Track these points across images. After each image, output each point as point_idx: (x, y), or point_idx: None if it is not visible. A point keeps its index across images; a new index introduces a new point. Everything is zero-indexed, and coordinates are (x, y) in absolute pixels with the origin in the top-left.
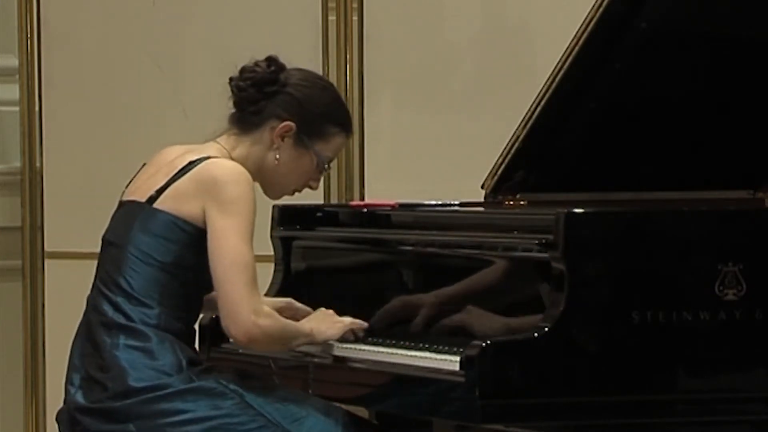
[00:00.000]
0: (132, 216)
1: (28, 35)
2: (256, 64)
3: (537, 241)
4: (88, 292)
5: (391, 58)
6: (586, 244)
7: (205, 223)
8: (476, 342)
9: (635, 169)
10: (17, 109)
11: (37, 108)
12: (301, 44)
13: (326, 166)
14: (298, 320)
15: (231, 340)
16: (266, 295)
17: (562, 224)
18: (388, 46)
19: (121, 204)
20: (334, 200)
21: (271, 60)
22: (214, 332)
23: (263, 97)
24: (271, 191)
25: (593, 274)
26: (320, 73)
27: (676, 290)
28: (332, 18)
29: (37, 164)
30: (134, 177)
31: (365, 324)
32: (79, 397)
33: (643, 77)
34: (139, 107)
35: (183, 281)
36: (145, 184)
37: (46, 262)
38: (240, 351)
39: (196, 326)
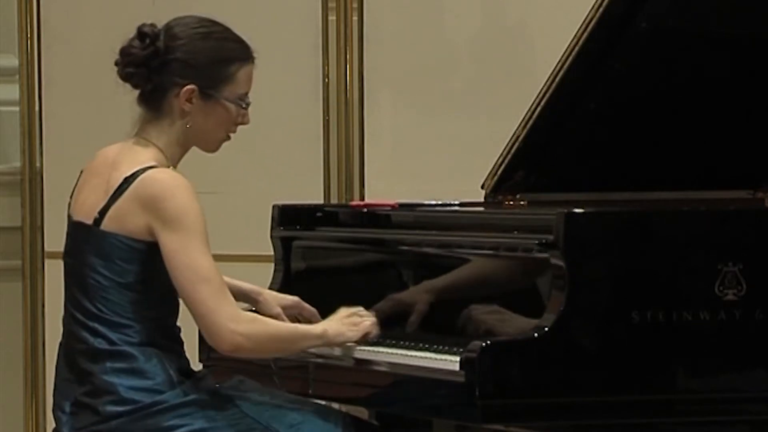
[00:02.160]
0: (84, 240)
1: (28, 35)
2: (130, 43)
3: (537, 241)
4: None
5: (391, 58)
6: (586, 244)
7: (153, 236)
8: (476, 342)
9: (635, 169)
10: (17, 109)
11: (37, 108)
12: (301, 44)
13: (244, 103)
14: (302, 321)
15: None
16: None
17: (562, 224)
18: (388, 46)
19: (72, 222)
20: (334, 200)
21: (143, 34)
22: None
23: (152, 73)
24: (206, 148)
25: (593, 274)
26: (320, 73)
27: (676, 290)
28: (332, 18)
29: (37, 164)
30: (76, 185)
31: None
32: (68, 429)
33: (642, 77)
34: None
35: (151, 293)
36: (87, 201)
37: (46, 262)
38: None
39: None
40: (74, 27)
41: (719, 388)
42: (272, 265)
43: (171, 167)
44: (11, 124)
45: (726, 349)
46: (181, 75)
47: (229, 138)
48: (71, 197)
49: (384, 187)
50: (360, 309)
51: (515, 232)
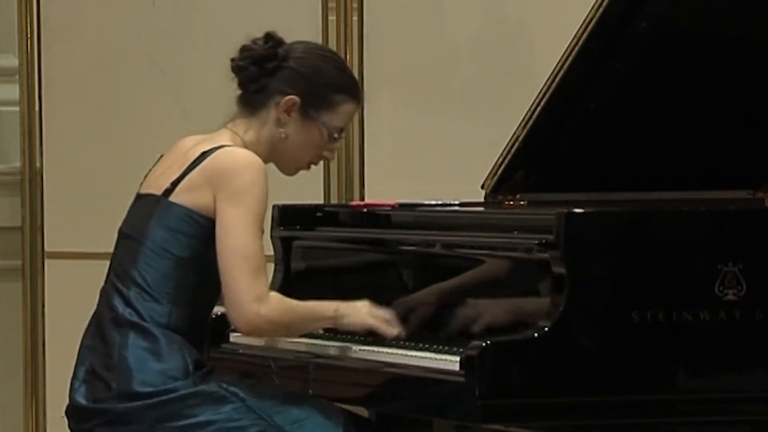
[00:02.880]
0: (148, 209)
1: (28, 35)
2: (254, 41)
3: (537, 241)
4: (100, 285)
5: (391, 58)
6: (586, 244)
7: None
8: (476, 342)
9: (635, 169)
10: (17, 109)
11: (37, 108)
12: None
13: (337, 135)
14: None
15: (231, 336)
16: None
17: (562, 224)
18: (388, 46)
19: (138, 196)
20: (334, 200)
21: (268, 36)
22: (214, 332)
23: (264, 73)
24: (285, 168)
25: (593, 274)
26: None
27: (676, 290)
28: (332, 18)
29: (37, 164)
30: (151, 169)
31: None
32: (80, 396)
33: (642, 77)
34: (139, 107)
35: (198, 276)
36: (161, 177)
37: (46, 262)
38: (239, 351)
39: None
40: (74, 27)
41: (719, 388)
42: (272, 265)
43: None
44: (11, 124)
45: (726, 349)
46: (290, 84)
47: (308, 168)
48: (143, 179)
49: (384, 187)
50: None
51: (515, 232)
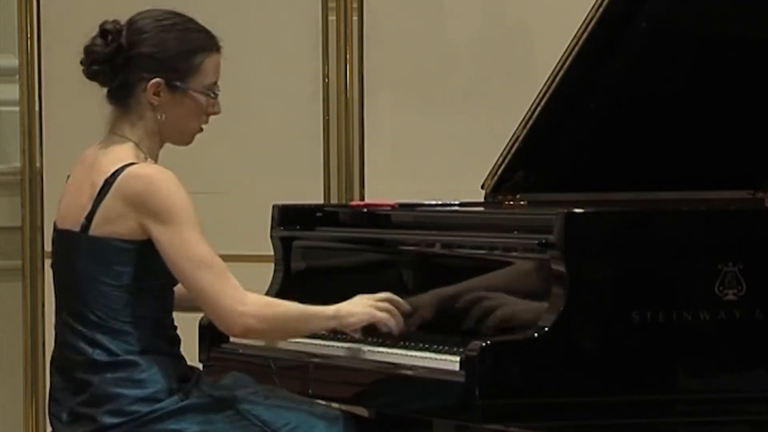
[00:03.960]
0: (73, 246)
1: (28, 35)
2: (93, 42)
3: (537, 241)
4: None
5: (391, 58)
6: (586, 244)
7: (144, 234)
8: (476, 342)
9: (635, 169)
10: (17, 109)
11: (37, 108)
12: (301, 44)
13: (214, 92)
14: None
15: (232, 338)
16: (266, 295)
17: (562, 224)
18: (388, 46)
19: (58, 232)
20: (334, 200)
21: (104, 32)
22: (214, 332)
23: (117, 69)
24: (180, 141)
25: (593, 274)
26: (320, 73)
27: (676, 290)
28: (332, 18)
29: (37, 164)
30: (63, 193)
31: (402, 301)
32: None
33: (643, 77)
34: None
35: (148, 294)
36: (72, 208)
37: (46, 262)
38: (240, 351)
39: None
40: (74, 27)
41: (719, 388)
42: (272, 265)
43: (149, 159)
44: (11, 124)
45: (726, 349)
46: (147, 69)
47: (201, 130)
48: (59, 204)
49: (384, 187)
50: (387, 294)
51: (515, 232)
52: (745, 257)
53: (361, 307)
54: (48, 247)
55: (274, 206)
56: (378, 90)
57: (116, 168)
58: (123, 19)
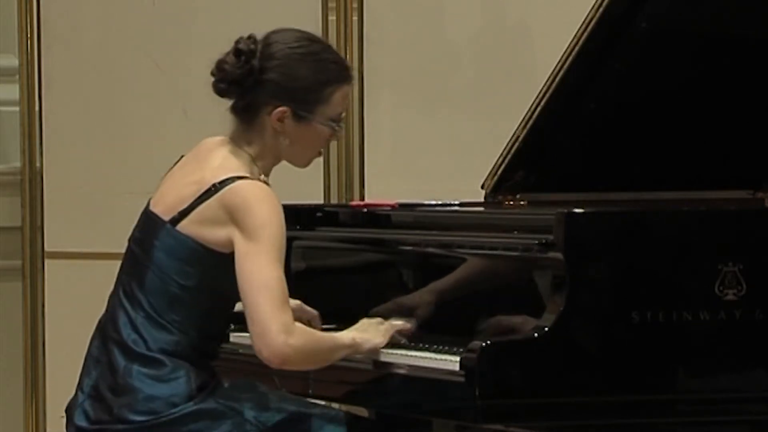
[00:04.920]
0: (155, 233)
1: (28, 35)
2: (225, 60)
3: (537, 241)
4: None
5: (391, 58)
6: (586, 244)
7: (229, 248)
8: (476, 342)
9: (635, 169)
10: (17, 109)
11: (37, 108)
12: None
13: (338, 122)
14: (304, 323)
15: (231, 336)
16: None
17: (562, 224)
18: (388, 46)
19: (148, 212)
20: (334, 200)
21: (238, 51)
22: None
23: (245, 91)
24: (297, 164)
25: (593, 274)
26: None
27: (676, 290)
28: (332, 18)
29: (37, 164)
30: (169, 170)
31: (408, 325)
32: (81, 419)
33: (643, 77)
34: (139, 107)
35: (205, 305)
36: (172, 195)
37: (46, 262)
38: (240, 351)
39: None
40: (74, 27)
41: (719, 388)
42: None
43: (262, 175)
44: (11, 124)
45: (726, 349)
46: (275, 96)
47: (320, 155)
48: (163, 177)
49: (384, 187)
50: (380, 320)
51: (515, 232)
52: (745, 257)
53: (368, 332)
54: (48, 247)
55: None
56: (378, 90)
57: (227, 176)
58: (124, 20)
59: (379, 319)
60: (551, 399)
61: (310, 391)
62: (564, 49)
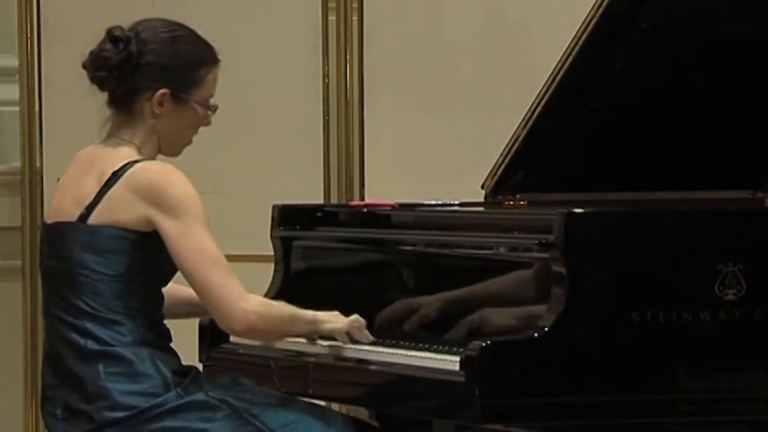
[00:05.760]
0: (68, 237)
1: (28, 35)
2: (103, 48)
3: (537, 241)
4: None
5: (391, 58)
6: (586, 244)
7: (147, 226)
8: (476, 342)
9: (635, 169)
10: (17, 109)
11: (37, 108)
12: (301, 44)
13: (211, 105)
14: None
15: (231, 336)
16: (266, 295)
17: (562, 224)
18: (388, 46)
19: (49, 228)
20: (334, 200)
21: (115, 38)
22: (214, 332)
23: (125, 76)
24: (171, 151)
25: (593, 274)
26: (320, 73)
27: (676, 290)
28: (332, 18)
29: (37, 164)
30: (55, 192)
31: (364, 324)
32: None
33: (643, 77)
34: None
35: (141, 286)
36: (66, 202)
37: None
38: (239, 351)
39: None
40: (74, 27)
41: (719, 388)
42: (272, 265)
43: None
44: (11, 124)
45: (726, 349)
46: (154, 78)
47: (191, 142)
48: (50, 204)
49: (384, 187)
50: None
51: (515, 232)
52: (745, 257)
53: (336, 318)
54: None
55: (274, 206)
56: (378, 90)
57: (125, 162)
58: (121, 21)
59: (337, 313)
60: (551, 399)
61: (310, 391)
62: (564, 49)
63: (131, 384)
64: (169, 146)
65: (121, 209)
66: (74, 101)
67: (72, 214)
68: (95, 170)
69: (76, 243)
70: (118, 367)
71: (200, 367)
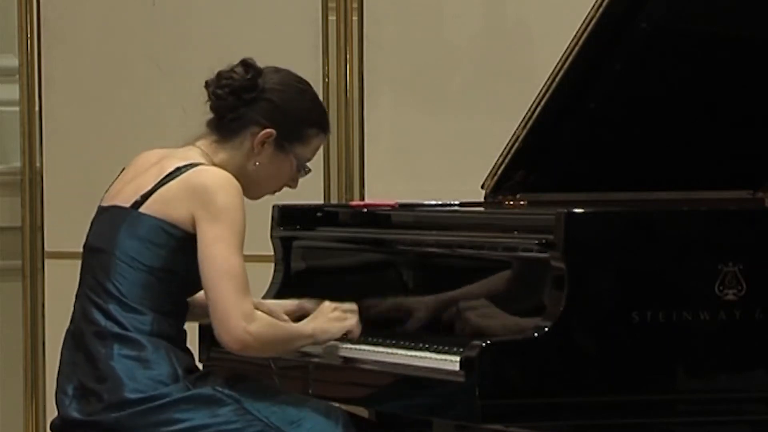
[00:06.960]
0: (117, 221)
1: (28, 35)
2: (233, 70)
3: (537, 241)
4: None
5: (391, 58)
6: (586, 244)
7: (193, 227)
8: (476, 342)
9: (635, 169)
10: (17, 109)
11: (37, 108)
12: (301, 44)
13: (305, 167)
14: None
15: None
16: (266, 295)
17: (562, 224)
18: (388, 46)
19: (102, 209)
20: (334, 200)
21: (247, 65)
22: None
23: (242, 104)
24: (251, 193)
25: (593, 274)
26: (320, 73)
27: (676, 290)
28: (332, 18)
29: (37, 164)
30: (113, 182)
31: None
32: (73, 411)
33: (643, 77)
34: (139, 107)
35: (172, 285)
36: (126, 189)
37: (46, 262)
38: None
39: (187, 327)
40: (74, 27)
41: (719, 388)
42: (272, 265)
43: None
44: (11, 124)
45: (726, 349)
46: (267, 117)
47: (272, 194)
48: (105, 193)
49: (384, 187)
50: (344, 304)
51: (515, 232)
52: (745, 257)
53: (328, 322)
54: (48, 247)
55: (274, 206)
56: (378, 90)
57: (190, 162)
58: (124, 20)
59: (341, 305)
60: (551, 399)
61: (310, 391)
62: (564, 49)
63: (142, 369)
64: (253, 188)
65: (172, 204)
66: (74, 101)
67: (127, 200)
68: (160, 164)
69: (123, 227)
70: (131, 351)
71: (200, 367)
